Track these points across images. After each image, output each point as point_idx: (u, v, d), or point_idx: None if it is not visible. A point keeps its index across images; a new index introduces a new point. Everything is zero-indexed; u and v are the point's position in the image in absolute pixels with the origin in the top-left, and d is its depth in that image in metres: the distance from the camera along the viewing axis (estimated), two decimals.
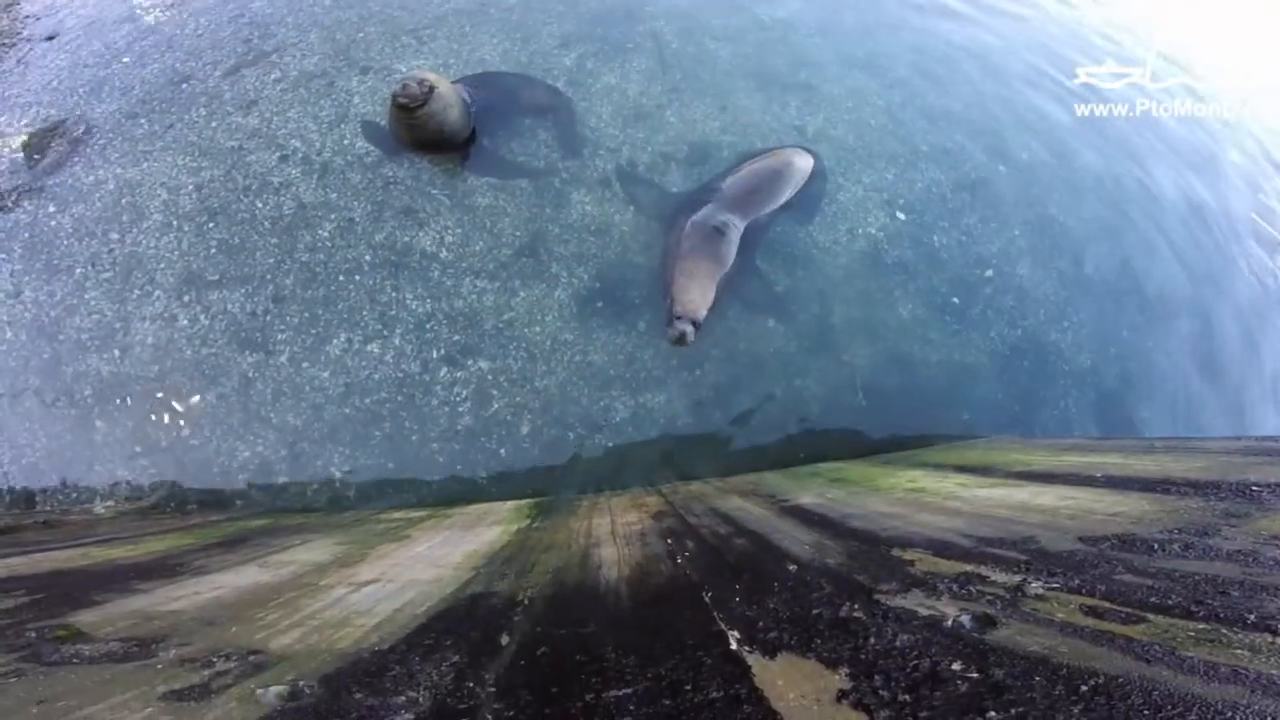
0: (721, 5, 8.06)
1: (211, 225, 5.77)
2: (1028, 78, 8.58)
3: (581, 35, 7.27)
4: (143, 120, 6.91)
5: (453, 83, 5.93)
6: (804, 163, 6.13)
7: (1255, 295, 7.34)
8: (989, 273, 6.50)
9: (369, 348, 5.31)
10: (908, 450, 5.68)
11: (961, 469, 4.56)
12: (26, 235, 6.35)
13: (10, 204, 6.67)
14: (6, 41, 9.90)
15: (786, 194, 5.88)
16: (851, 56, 7.82)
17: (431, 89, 5.31)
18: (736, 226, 5.45)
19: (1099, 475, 3.63)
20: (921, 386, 6.04)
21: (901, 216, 6.40)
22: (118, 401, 5.54)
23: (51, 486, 5.57)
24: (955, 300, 6.31)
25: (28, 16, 10.69)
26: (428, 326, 5.33)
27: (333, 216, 5.66)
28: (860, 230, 6.19)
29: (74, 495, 5.52)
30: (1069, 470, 3.97)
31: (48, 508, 5.58)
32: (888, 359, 5.98)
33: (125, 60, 8.03)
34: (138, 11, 9.30)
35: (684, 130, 6.50)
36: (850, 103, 7.19)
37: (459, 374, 5.28)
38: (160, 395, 5.51)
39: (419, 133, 5.60)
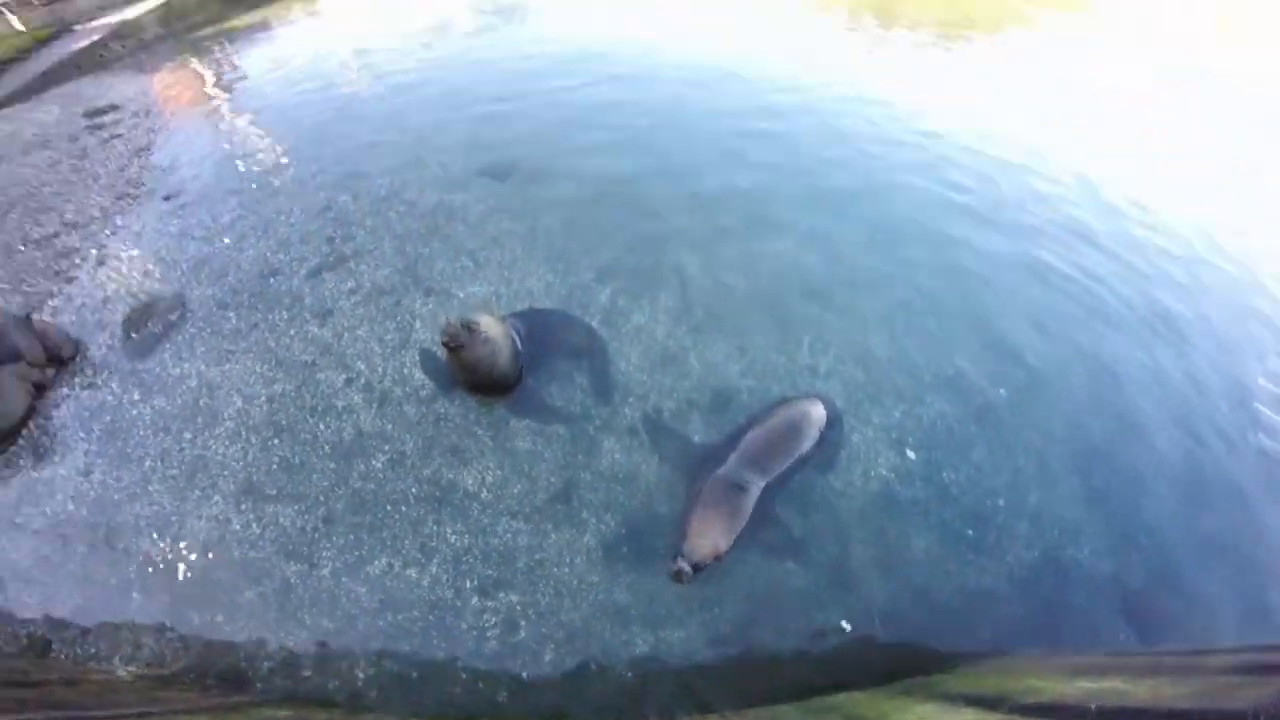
0: (735, 233, 8.88)
1: (276, 442, 6.30)
2: (1026, 282, 9.13)
3: (615, 268, 8.02)
4: (231, 314, 7.68)
5: (502, 319, 6.58)
6: (818, 413, 6.54)
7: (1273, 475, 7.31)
8: (1000, 502, 6.65)
9: (407, 572, 5.63)
10: (928, 675, 5.67)
11: (973, 701, 4.55)
12: (109, 419, 6.97)
13: (100, 382, 7.36)
14: (133, 192, 11.12)
15: (803, 447, 6.25)
16: (854, 280, 8.42)
17: (474, 331, 5.85)
18: (756, 484, 5.80)
19: (1093, 708, 3.66)
20: (940, 612, 6.08)
21: (912, 455, 6.71)
22: (160, 582, 5.86)
23: (73, 638, 5.73)
24: (970, 532, 6.46)
25: (155, 167, 12.06)
26: (464, 560, 5.66)
27: (386, 448, 6.16)
28: (873, 472, 6.50)
29: (92, 650, 5.66)
30: (1071, 702, 3.96)
31: (63, 656, 5.79)
32: (905, 590, 6.08)
33: (226, 240, 9.01)
34: (243, 184, 10.49)
35: (706, 375, 7.00)
36: (857, 334, 7.68)
37: (489, 604, 5.54)
38: (202, 585, 5.82)
39: (471, 375, 6.14)
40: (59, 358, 7.62)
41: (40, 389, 7.41)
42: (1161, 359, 8.28)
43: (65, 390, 7.35)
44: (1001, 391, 7.51)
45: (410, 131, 12.01)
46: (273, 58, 20.42)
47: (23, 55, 21.89)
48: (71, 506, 6.31)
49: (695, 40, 18.81)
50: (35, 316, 7.88)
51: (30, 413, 7.16)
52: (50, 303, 8.46)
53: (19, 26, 22.93)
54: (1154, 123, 17.25)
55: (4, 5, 23.94)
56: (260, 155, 11.88)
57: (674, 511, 5.84)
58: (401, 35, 20.99)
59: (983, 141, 14.40)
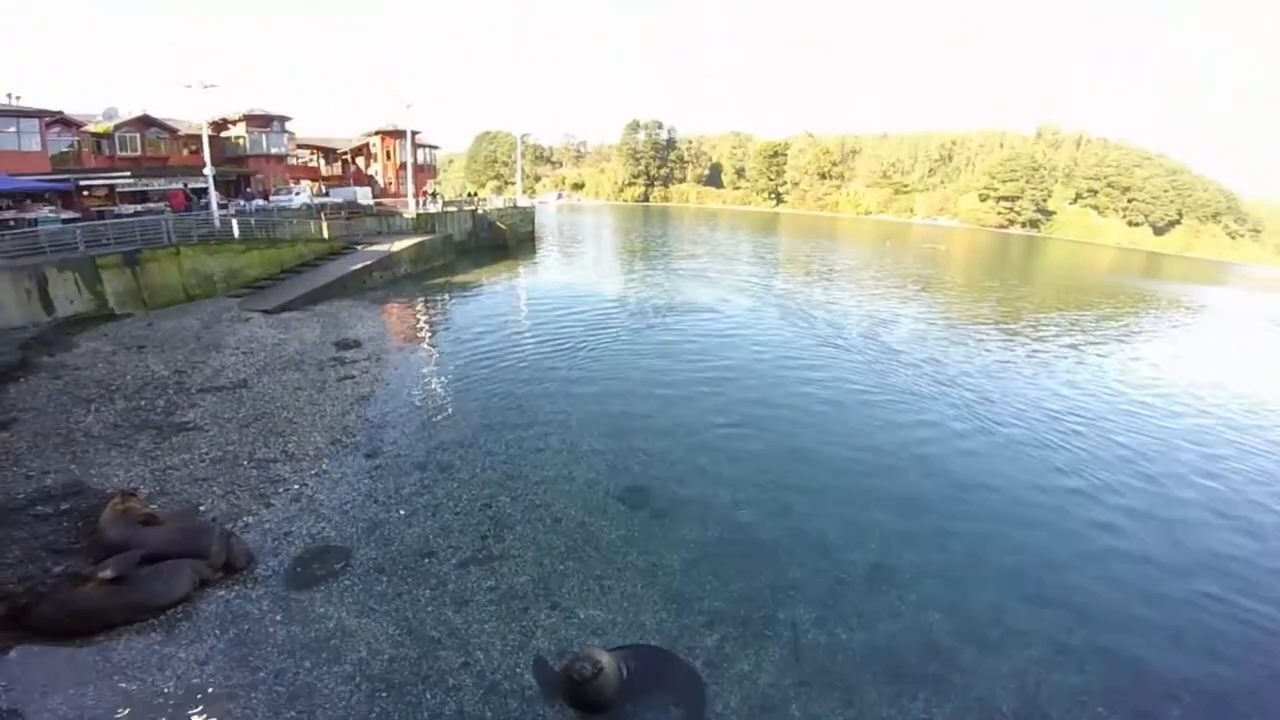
0: (855, 588, 9.18)
1: (384, 695, 6.88)
2: (1186, 622, 8.94)
3: (726, 615, 8.49)
4: (384, 579, 8.86)
5: (612, 651, 7.17)
6: None
7: None
8: None
9: None
10: None
11: None
12: (245, 627, 7.84)
13: (254, 597, 8.40)
14: (344, 441, 13.34)
15: None
16: (983, 639, 8.31)
17: (600, 671, 6.56)
18: None
19: None
20: None
21: None
22: None
23: None
24: None
25: (368, 420, 14.48)
26: None
27: None
28: None
29: None
30: None
31: None
32: None
33: (401, 512, 10.59)
34: (429, 459, 12.44)
35: None
36: (981, 690, 7.45)
37: None
38: None
39: (578, 697, 6.73)
40: (233, 567, 8.93)
41: (204, 584, 8.56)
42: None
43: (222, 592, 8.47)
44: None
45: (569, 442, 13.89)
46: (474, 318, 25.55)
47: (319, 261, 29.63)
48: (171, 686, 6.88)
49: (826, 370, 20.65)
50: (231, 528, 9.50)
51: (184, 599, 8.20)
52: (245, 519, 10.16)
53: (325, 234, 31.19)
54: None
55: (323, 213, 33.38)
56: (449, 430, 14.19)
57: None
58: (571, 321, 25.68)
59: (1127, 466, 14.34)
